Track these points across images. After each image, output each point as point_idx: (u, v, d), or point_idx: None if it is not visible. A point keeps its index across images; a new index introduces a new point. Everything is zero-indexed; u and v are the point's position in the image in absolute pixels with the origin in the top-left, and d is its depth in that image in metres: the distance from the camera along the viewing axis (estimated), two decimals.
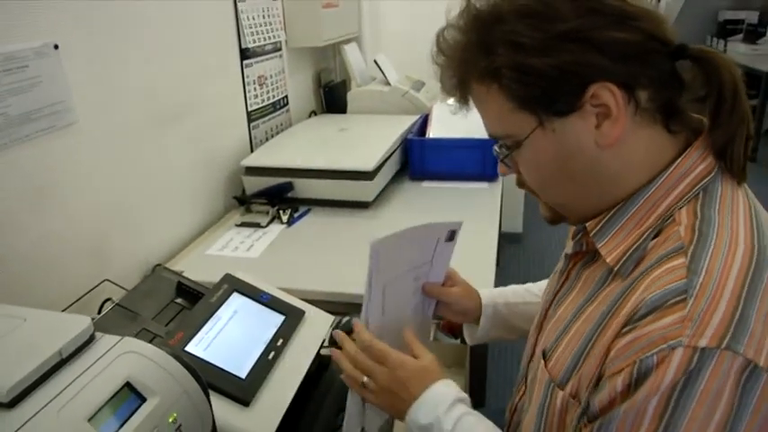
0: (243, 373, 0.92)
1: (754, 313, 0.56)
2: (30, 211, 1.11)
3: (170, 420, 0.53)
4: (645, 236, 0.66)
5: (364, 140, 1.97)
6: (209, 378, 0.88)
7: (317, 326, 1.11)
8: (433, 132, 2.07)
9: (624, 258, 0.67)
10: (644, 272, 0.63)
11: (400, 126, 2.05)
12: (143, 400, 0.53)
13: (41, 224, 1.14)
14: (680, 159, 0.67)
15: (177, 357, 0.57)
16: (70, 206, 1.20)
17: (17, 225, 1.09)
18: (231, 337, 0.98)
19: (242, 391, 0.89)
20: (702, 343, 0.55)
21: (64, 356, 0.53)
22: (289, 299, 1.12)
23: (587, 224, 0.72)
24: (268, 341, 1.00)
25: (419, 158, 1.97)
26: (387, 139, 1.88)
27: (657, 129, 0.67)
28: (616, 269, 0.67)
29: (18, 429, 0.46)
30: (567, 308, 0.76)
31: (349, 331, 1.22)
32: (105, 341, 0.57)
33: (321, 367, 1.15)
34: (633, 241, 0.67)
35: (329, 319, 1.14)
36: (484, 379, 1.51)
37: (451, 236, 0.99)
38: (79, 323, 0.56)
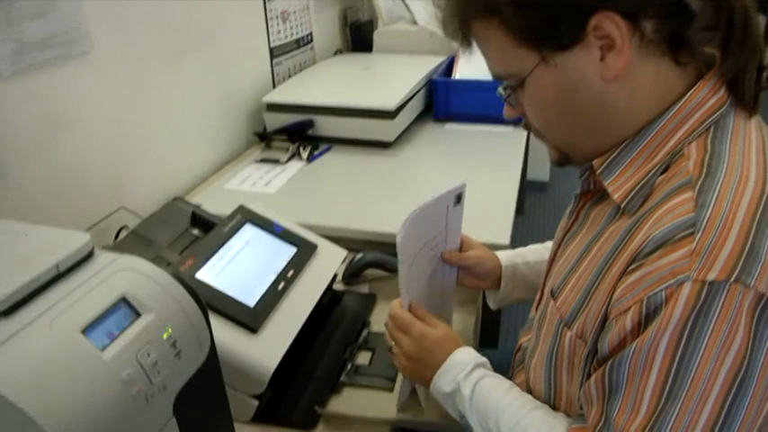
0: (251, 302, 0.93)
1: (766, 245, 0.54)
2: (46, 138, 1.12)
3: (164, 336, 0.53)
4: (653, 172, 0.64)
5: (388, 79, 1.93)
6: (218, 305, 0.89)
7: (330, 260, 1.11)
8: (459, 74, 2.02)
9: (631, 195, 0.65)
10: (651, 208, 0.61)
11: (426, 66, 2.00)
12: (138, 315, 0.53)
13: (58, 151, 1.15)
14: (690, 92, 0.64)
15: (176, 277, 0.58)
16: (87, 135, 1.21)
17: (34, 151, 1.10)
18: (242, 266, 0.99)
19: (250, 318, 0.90)
20: (711, 276, 0.53)
21: (61, 270, 0.53)
22: (302, 231, 1.12)
23: (594, 162, 0.70)
24: (279, 272, 1.00)
25: (444, 100, 1.93)
26: (411, 79, 1.84)
27: (665, 61, 0.64)
28: (623, 206, 0.65)
29: (11, 337, 0.47)
30: (576, 247, 0.74)
31: (362, 268, 1.23)
32: (104, 258, 0.57)
33: (333, 301, 1.16)
34: (641, 177, 0.65)
35: (342, 253, 1.15)
36: (497, 320, 1.51)
37: (458, 199, 0.97)
38: (78, 239, 0.56)
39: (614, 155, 0.67)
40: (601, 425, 0.60)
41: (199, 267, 0.94)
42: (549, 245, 1.07)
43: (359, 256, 1.24)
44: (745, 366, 0.53)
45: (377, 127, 1.68)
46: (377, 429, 0.89)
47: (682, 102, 0.64)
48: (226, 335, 0.87)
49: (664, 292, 0.55)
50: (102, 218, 1.10)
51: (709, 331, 0.53)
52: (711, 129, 0.63)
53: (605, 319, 0.62)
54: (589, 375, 0.64)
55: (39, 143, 1.11)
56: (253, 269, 0.99)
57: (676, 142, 0.64)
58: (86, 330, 0.50)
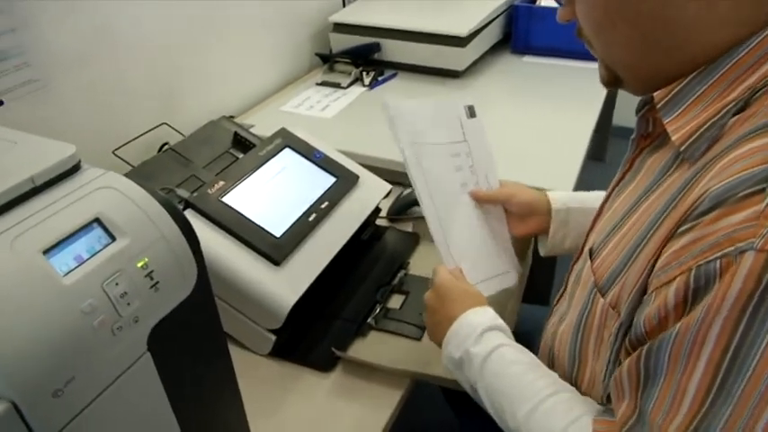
0: (278, 232, 0.88)
1: None
2: (93, 49, 1.09)
3: (138, 265, 0.48)
4: (726, 110, 0.51)
5: (464, 3, 1.79)
6: (242, 233, 0.85)
7: (371, 193, 1.05)
8: (545, 1, 1.85)
9: (694, 137, 0.53)
10: (717, 155, 0.49)
11: None
12: (113, 239, 0.49)
13: (104, 63, 1.11)
14: None
15: (164, 203, 0.52)
16: (137, 48, 1.17)
17: (79, 62, 1.07)
18: (274, 193, 0.93)
19: (274, 249, 0.85)
20: None
21: (37, 184, 0.49)
22: (345, 161, 1.05)
23: (654, 94, 0.57)
24: (312, 202, 0.95)
25: (524, 29, 1.78)
26: (489, 3, 1.70)
27: None
28: (682, 150, 0.53)
29: None
30: (625, 200, 0.63)
31: (409, 205, 1.16)
32: (89, 174, 0.52)
33: (374, 237, 1.10)
34: (710, 116, 0.52)
35: (385, 188, 1.07)
36: (551, 273, 1.41)
37: (471, 112, 0.91)
38: (61, 152, 0.51)
39: (681, 86, 0.55)
40: (633, 421, 0.50)
41: (227, 191, 0.89)
42: None
43: (407, 191, 1.17)
44: None
45: (446, 54, 1.57)
46: (398, 381, 0.84)
47: None
48: (247, 265, 0.83)
49: (718, 262, 0.44)
50: (141, 133, 1.07)
51: None
52: None
53: (644, 290, 0.51)
54: (618, 354, 0.55)
55: (85, 53, 1.07)
56: (285, 197, 0.94)
57: (760, 77, 0.50)
58: (49, 252, 0.45)
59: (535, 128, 1.35)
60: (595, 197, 0.89)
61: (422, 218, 1.12)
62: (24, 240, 0.45)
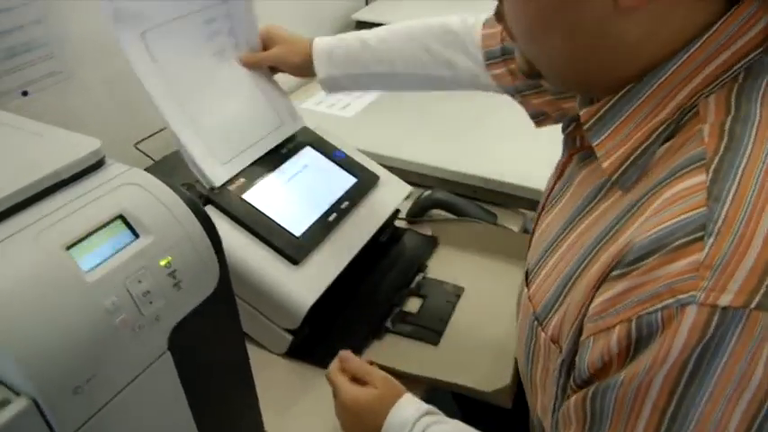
0: (298, 231, 0.87)
1: None
2: (114, 41, 1.08)
3: (162, 263, 0.48)
4: (654, 135, 0.48)
5: (489, 3, 1.77)
6: (262, 231, 0.84)
7: (391, 194, 1.04)
8: None
9: (625, 166, 0.49)
10: (650, 190, 0.46)
11: None
12: (136, 236, 0.48)
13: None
14: (718, 24, 0.46)
15: (188, 201, 0.52)
16: None
17: (101, 54, 1.06)
18: (294, 191, 0.93)
19: (293, 249, 0.85)
20: (725, 300, 0.39)
21: (61, 178, 0.49)
22: (365, 161, 1.04)
23: (581, 114, 0.53)
24: (332, 202, 0.94)
25: None
26: None
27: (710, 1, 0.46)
28: (613, 179, 0.50)
29: None
30: (556, 218, 0.60)
31: (428, 207, 1.15)
32: (113, 169, 0.52)
33: (393, 239, 1.09)
34: (638, 142, 0.49)
35: (405, 189, 1.07)
36: None
37: None
38: (87, 147, 0.51)
39: (608, 106, 0.50)
40: None
41: (247, 188, 0.88)
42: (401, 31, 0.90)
43: (426, 193, 1.16)
44: (766, 410, 0.41)
45: None
46: (412, 386, 0.83)
47: (705, 37, 0.46)
48: (265, 263, 0.83)
49: (660, 314, 0.41)
50: (163, 126, 1.07)
51: (720, 368, 0.40)
52: (740, 76, 0.46)
53: (581, 329, 0.49)
54: (564, 390, 0.53)
55: (108, 45, 1.06)
56: (306, 196, 0.93)
57: (690, 94, 0.47)
58: (73, 247, 0.45)
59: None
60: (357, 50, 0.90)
61: (442, 221, 1.14)
62: (48, 235, 0.45)
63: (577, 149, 0.60)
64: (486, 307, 0.98)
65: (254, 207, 0.86)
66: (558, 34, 0.50)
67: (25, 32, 0.92)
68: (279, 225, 0.86)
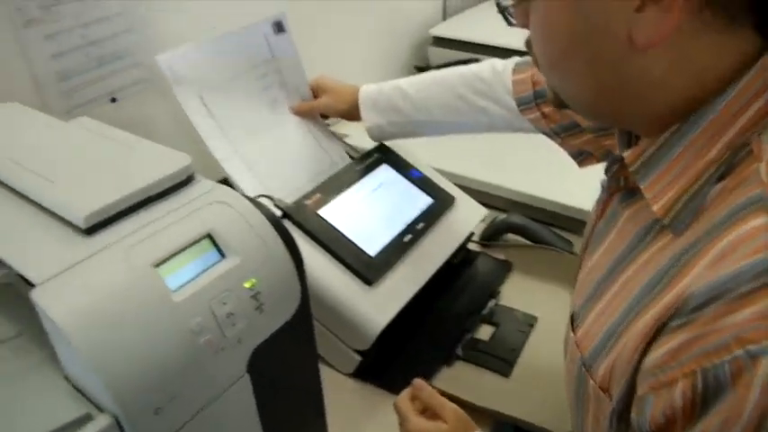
0: (372, 251, 0.86)
1: None
2: None
3: (246, 285, 0.47)
4: (706, 176, 0.45)
5: None
6: (337, 249, 0.83)
7: (467, 217, 1.01)
8: None
9: (677, 209, 0.46)
10: (707, 233, 0.43)
11: None
12: (222, 256, 0.47)
13: None
14: (765, 58, 0.43)
15: (274, 222, 0.51)
16: None
17: None
18: (370, 210, 0.91)
19: (367, 269, 0.83)
20: None
21: (152, 194, 0.48)
22: (442, 182, 1.02)
23: (625, 155, 0.50)
24: (408, 222, 0.92)
25: None
26: None
27: (740, 33, 0.43)
28: (666, 223, 0.47)
29: (83, 261, 0.43)
30: (601, 260, 0.57)
31: (503, 231, 1.12)
32: (201, 186, 0.51)
33: (465, 262, 1.07)
34: (689, 183, 0.46)
35: (481, 212, 1.04)
36: None
37: (279, 27, 0.92)
38: (177, 163, 0.51)
39: (654, 148, 0.48)
40: None
41: (323, 204, 0.88)
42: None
43: (502, 216, 1.13)
44: None
45: None
46: (480, 417, 0.80)
47: (751, 72, 0.43)
48: (339, 282, 0.82)
49: (728, 366, 0.38)
50: None
51: None
52: None
53: (633, 381, 0.46)
54: None
55: None
56: (381, 215, 0.92)
57: (739, 131, 0.44)
58: (161, 265, 0.44)
59: None
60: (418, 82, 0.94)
61: (517, 246, 1.10)
62: (138, 252, 0.44)
63: (620, 188, 0.58)
64: (559, 340, 0.93)
65: (329, 224, 0.85)
66: (578, 67, 0.49)
67: (117, 41, 0.94)
68: (354, 244, 0.85)
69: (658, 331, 0.44)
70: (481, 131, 0.93)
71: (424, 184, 0.99)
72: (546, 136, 0.86)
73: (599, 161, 0.82)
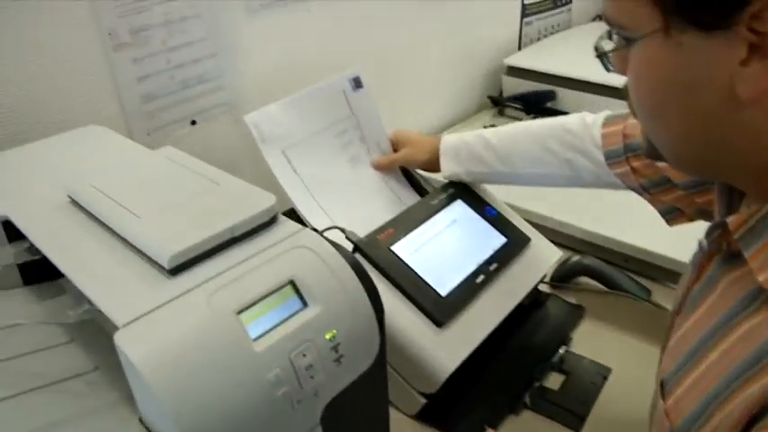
0: (444, 291, 0.83)
1: None
2: (277, 76, 1.11)
3: (327, 337, 0.45)
4: None
5: None
6: (407, 286, 0.81)
7: (541, 259, 0.97)
8: None
9: None
10: None
11: None
12: (304, 305, 0.46)
13: (284, 91, 1.14)
14: None
15: (356, 269, 0.49)
16: (315, 76, 1.18)
17: (261, 89, 1.09)
18: (443, 247, 0.89)
19: (438, 309, 0.81)
20: None
21: (236, 234, 0.48)
22: (516, 220, 0.99)
23: (729, 221, 0.48)
24: (481, 262, 0.89)
25: None
26: None
27: None
28: None
29: (166, 303, 0.42)
30: (696, 325, 0.53)
31: (575, 273, 1.07)
32: (284, 228, 0.50)
33: (535, 303, 1.03)
34: None
35: (556, 254, 1.00)
36: None
37: (357, 83, 0.94)
38: (263, 201, 0.50)
39: (761, 215, 0.45)
40: None
41: (397, 240, 0.86)
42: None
43: (575, 258, 1.09)
44: None
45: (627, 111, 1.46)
46: None
47: None
48: (408, 322, 0.79)
49: None
50: None
51: None
52: None
53: None
54: None
55: (269, 81, 1.10)
56: (453, 253, 0.89)
57: None
58: (243, 312, 0.43)
59: None
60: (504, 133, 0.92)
61: (589, 291, 1.06)
62: (221, 297, 0.43)
63: (720, 251, 0.54)
64: (634, 395, 0.89)
65: (401, 260, 0.83)
66: (677, 118, 0.48)
67: (201, 65, 0.96)
68: (425, 282, 0.83)
69: (765, 409, 0.42)
70: (565, 185, 0.91)
71: (498, 222, 0.96)
72: (634, 192, 0.82)
73: (690, 220, 0.78)
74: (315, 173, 0.91)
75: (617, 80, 1.49)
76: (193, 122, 0.98)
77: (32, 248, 0.53)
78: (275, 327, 0.44)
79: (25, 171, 0.67)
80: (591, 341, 0.98)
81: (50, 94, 0.83)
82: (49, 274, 0.57)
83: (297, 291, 0.46)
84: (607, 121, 0.83)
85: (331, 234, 0.87)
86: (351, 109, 0.98)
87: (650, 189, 0.79)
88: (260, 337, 0.43)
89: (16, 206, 0.58)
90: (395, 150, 1.02)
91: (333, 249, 0.49)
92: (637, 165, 0.79)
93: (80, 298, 0.45)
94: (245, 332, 0.43)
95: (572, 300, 1.05)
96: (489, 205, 0.98)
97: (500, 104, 1.61)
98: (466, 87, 1.64)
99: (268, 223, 0.50)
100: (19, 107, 0.81)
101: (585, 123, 0.85)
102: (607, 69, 0.58)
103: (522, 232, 0.97)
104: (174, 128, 0.96)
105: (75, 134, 0.77)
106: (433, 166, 0.98)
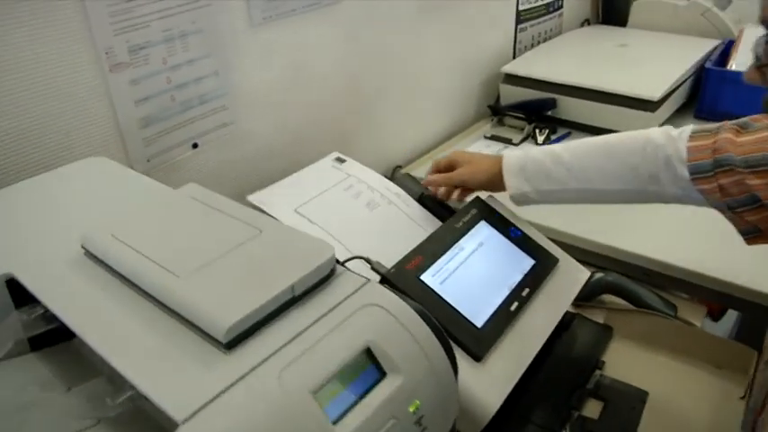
0: (479, 321, 0.77)
1: None
2: (279, 90, 1.05)
3: (411, 410, 0.39)
4: None
5: (649, 62, 1.65)
6: (441, 319, 0.74)
7: (570, 280, 0.92)
8: (737, 64, 1.68)
9: None
10: None
11: (695, 51, 1.68)
12: (382, 374, 0.40)
13: (284, 105, 1.07)
14: None
15: (426, 318, 0.43)
16: (313, 90, 1.12)
17: (265, 104, 1.03)
18: (472, 273, 0.83)
19: (476, 342, 0.75)
20: None
21: (296, 294, 0.41)
22: (542, 241, 0.94)
23: None
24: (513, 288, 0.84)
25: (713, 94, 1.61)
26: (679, 65, 1.55)
27: None
28: None
29: (233, 385, 0.35)
30: None
31: (599, 292, 1.03)
32: (345, 281, 0.44)
33: (562, 326, 0.97)
34: None
35: (584, 274, 0.95)
36: None
37: (340, 160, 1.00)
38: (320, 252, 0.43)
39: None
40: None
41: (425, 268, 0.80)
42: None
43: (598, 275, 1.04)
44: None
45: (632, 118, 1.43)
46: None
47: None
48: None
49: None
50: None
51: None
52: None
53: None
54: None
55: (272, 95, 1.03)
56: (483, 279, 0.84)
57: None
58: (319, 392, 0.37)
59: None
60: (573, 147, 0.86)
61: (616, 309, 1.02)
62: (292, 375, 0.37)
63: None
64: (674, 418, 0.86)
65: (433, 291, 0.77)
66: None
67: (203, 85, 0.88)
68: (460, 314, 0.77)
69: None
70: (644, 202, 0.84)
71: (524, 243, 0.91)
72: (716, 209, 0.78)
73: None
74: (332, 219, 0.89)
75: (619, 87, 1.44)
76: (195, 146, 0.91)
77: (47, 315, 0.46)
78: (355, 404, 0.38)
79: (25, 215, 0.59)
80: (623, 363, 0.93)
81: (42, 123, 0.75)
82: (59, 336, 0.50)
83: (373, 358, 0.40)
84: (694, 135, 0.78)
85: (354, 265, 0.81)
86: (346, 173, 0.99)
87: (736, 208, 0.75)
88: (340, 418, 0.37)
89: (21, 260, 0.50)
90: (450, 170, 0.96)
91: (403, 304, 0.43)
92: (725, 182, 0.74)
93: (117, 379, 0.38)
94: (325, 416, 0.36)
95: (598, 319, 1.00)
96: (513, 225, 0.93)
97: (500, 113, 1.56)
98: (465, 96, 1.59)
99: (327, 277, 0.44)
100: (7, 137, 0.72)
101: (670, 136, 0.80)
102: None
103: (549, 253, 0.92)
104: (176, 153, 0.89)
105: (75, 168, 0.69)
106: (494, 185, 0.92)
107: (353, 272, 0.45)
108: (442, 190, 0.96)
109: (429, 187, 0.98)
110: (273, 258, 0.44)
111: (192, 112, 0.88)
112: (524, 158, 0.89)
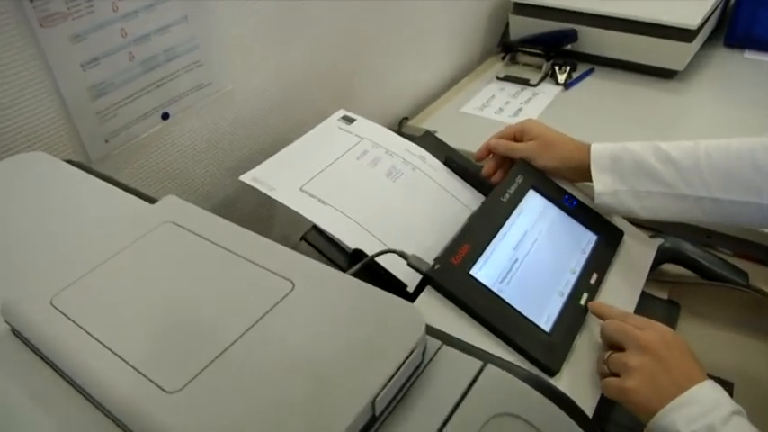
0: (547, 325, 0.62)
1: None
2: (276, 35, 0.85)
3: None
4: None
5: None
6: (503, 326, 0.59)
7: (639, 255, 0.77)
8: None
9: None
10: None
11: None
12: None
13: (277, 59, 0.88)
14: None
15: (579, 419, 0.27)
16: (310, 34, 0.92)
17: (253, 60, 0.83)
18: (529, 261, 0.67)
19: (547, 353, 0.59)
20: None
21: (377, 413, 0.24)
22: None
23: None
24: (578, 275, 0.68)
25: (748, 18, 1.43)
26: None
27: None
28: None
29: None
30: None
31: (658, 262, 0.88)
32: (446, 370, 0.27)
33: None
34: None
35: (653, 246, 0.79)
36: None
37: (348, 119, 0.84)
38: (404, 329, 0.26)
39: None
40: None
41: (474, 260, 0.63)
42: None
43: (657, 241, 0.88)
44: None
45: (665, 49, 1.24)
46: None
47: None
48: None
49: None
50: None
51: None
52: None
53: None
54: None
55: (252, 45, 0.83)
56: (543, 267, 0.67)
57: None
58: None
59: None
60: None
61: (681, 282, 0.87)
62: None
63: None
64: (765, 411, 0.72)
65: (489, 291, 0.61)
66: None
67: (169, 35, 0.68)
68: (524, 317, 0.61)
69: None
70: None
71: (583, 214, 0.74)
72: None
73: None
74: (347, 197, 0.73)
75: (651, 15, 1.19)
76: (165, 116, 0.71)
77: None
78: None
79: None
80: (697, 346, 0.79)
81: None
82: None
83: None
84: None
85: (386, 260, 0.64)
86: (357, 135, 0.82)
87: None
88: None
89: None
90: (518, 140, 0.79)
91: (557, 409, 0.26)
92: None
93: None
94: None
95: (661, 295, 0.85)
96: (568, 193, 0.76)
97: (512, 50, 1.36)
98: (469, 30, 1.38)
99: (418, 367, 0.26)
100: None
101: None
102: None
103: (612, 225, 0.76)
104: (141, 127, 0.69)
105: None
106: (572, 174, 0.75)
107: (458, 348, 0.27)
108: (489, 164, 0.78)
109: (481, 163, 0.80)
110: (325, 346, 0.26)
111: (157, 73, 0.68)
112: (620, 150, 0.71)
